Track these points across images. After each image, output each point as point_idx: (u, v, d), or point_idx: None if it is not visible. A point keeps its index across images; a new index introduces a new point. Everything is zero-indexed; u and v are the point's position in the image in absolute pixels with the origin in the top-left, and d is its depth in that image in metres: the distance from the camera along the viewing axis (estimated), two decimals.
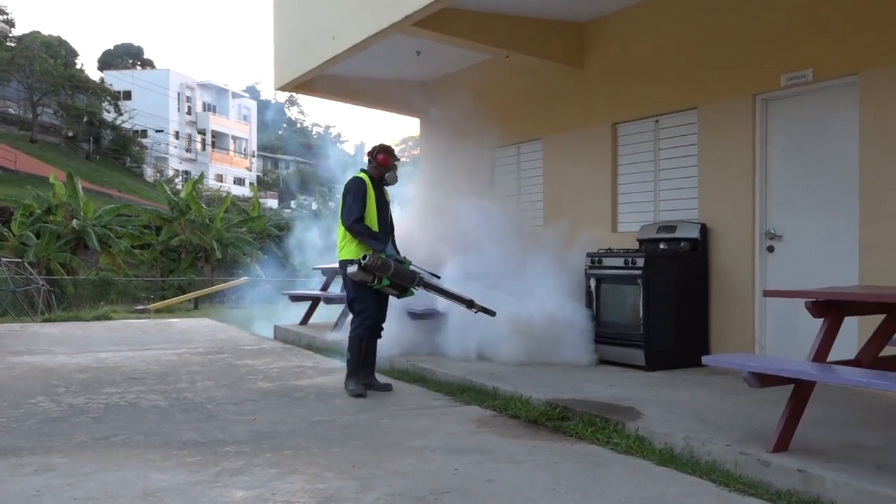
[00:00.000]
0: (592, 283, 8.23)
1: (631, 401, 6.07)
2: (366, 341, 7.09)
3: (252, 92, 73.54)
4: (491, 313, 7.29)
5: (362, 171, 7.27)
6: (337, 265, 7.24)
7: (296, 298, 12.61)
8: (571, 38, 9.78)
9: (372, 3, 8.94)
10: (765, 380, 4.52)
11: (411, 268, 7.00)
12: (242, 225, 30.79)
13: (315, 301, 12.28)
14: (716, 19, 8.03)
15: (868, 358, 4.84)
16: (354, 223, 6.91)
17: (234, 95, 69.39)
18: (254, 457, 4.92)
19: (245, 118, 70.05)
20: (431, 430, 5.62)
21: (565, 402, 5.99)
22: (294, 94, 45.61)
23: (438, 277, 7.31)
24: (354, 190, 7.01)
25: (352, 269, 6.77)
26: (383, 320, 7.27)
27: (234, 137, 67.11)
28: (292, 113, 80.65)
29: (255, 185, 54.74)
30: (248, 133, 69.17)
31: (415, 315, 8.72)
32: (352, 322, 7.18)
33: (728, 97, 7.88)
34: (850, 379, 4.33)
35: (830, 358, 4.80)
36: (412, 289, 7.03)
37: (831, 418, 5.40)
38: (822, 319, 4.75)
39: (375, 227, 7.00)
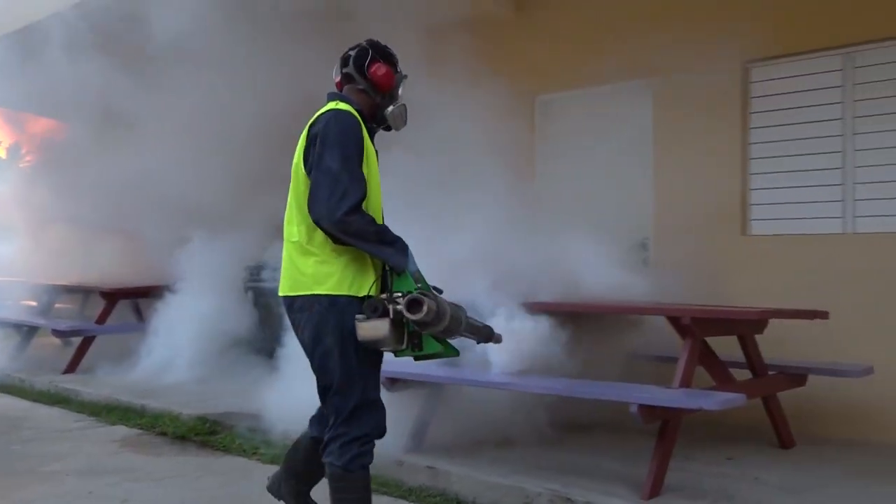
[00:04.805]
0: (251, 296, 8.19)
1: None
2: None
3: None
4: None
5: (340, 99, 3.28)
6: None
7: None
8: None
9: None
10: (398, 382, 4.80)
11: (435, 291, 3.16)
12: None
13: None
14: None
15: None
16: (348, 214, 3.01)
17: None
18: None
19: None
20: (69, 453, 5.32)
21: (217, 416, 5.93)
22: None
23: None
24: (342, 141, 3.09)
25: (370, 326, 3.03)
26: None
27: None
28: None
29: None
30: None
31: (59, 333, 8.11)
32: (331, 432, 3.23)
33: None
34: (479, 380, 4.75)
35: None
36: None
37: (463, 418, 5.82)
38: None
39: (380, 220, 3.28)
